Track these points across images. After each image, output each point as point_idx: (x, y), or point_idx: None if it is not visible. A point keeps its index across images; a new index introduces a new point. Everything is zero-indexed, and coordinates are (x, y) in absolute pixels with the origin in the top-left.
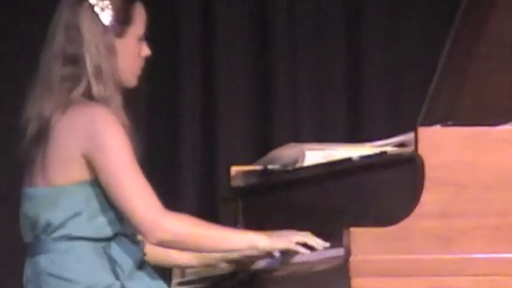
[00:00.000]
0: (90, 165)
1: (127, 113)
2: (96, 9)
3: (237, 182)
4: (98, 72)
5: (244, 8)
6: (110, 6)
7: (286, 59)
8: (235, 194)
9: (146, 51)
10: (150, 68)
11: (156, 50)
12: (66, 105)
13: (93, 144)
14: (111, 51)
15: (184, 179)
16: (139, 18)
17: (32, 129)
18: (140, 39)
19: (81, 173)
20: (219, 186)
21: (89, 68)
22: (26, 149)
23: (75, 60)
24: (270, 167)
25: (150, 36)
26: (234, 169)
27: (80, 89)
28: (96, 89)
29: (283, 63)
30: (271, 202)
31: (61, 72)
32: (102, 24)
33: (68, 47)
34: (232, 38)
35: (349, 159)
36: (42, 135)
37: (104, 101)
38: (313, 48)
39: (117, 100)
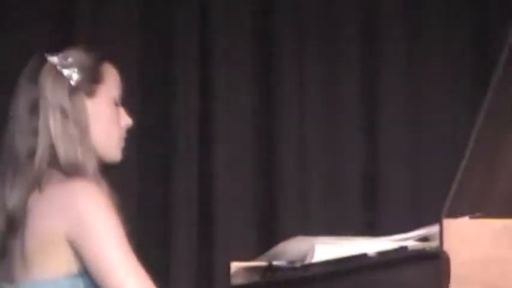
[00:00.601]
0: (76, 250)
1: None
2: (59, 68)
3: (237, 280)
4: (65, 135)
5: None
6: (74, 64)
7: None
8: None
9: (126, 120)
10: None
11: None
12: (39, 181)
13: (77, 227)
14: (82, 112)
15: (177, 276)
16: (111, 78)
17: (1, 221)
18: (116, 104)
19: (67, 262)
20: (217, 284)
21: (54, 131)
22: None
23: (38, 131)
24: (275, 263)
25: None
26: (234, 265)
27: (41, 156)
28: (62, 151)
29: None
30: None
31: (28, 145)
32: (69, 83)
33: (33, 118)
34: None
35: (364, 256)
36: (17, 223)
37: (75, 168)
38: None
39: (92, 167)
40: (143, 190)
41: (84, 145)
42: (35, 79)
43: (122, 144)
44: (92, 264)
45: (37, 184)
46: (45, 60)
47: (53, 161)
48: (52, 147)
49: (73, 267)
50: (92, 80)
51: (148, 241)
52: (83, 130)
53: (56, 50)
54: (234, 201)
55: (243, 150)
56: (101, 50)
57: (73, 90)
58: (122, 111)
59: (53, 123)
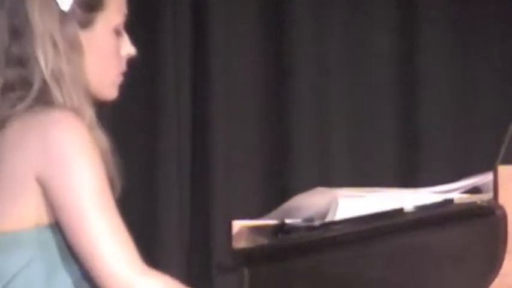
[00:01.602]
0: (47, 193)
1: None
2: None
3: (241, 243)
4: (59, 77)
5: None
6: None
7: (310, 69)
8: (239, 260)
9: (129, 49)
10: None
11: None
12: (9, 116)
13: (50, 162)
14: (75, 47)
15: (166, 239)
16: (113, 2)
17: None
18: (118, 32)
19: (35, 210)
20: (215, 248)
21: (45, 71)
22: None
23: (23, 61)
24: (288, 221)
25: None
26: (237, 224)
27: (31, 96)
28: (58, 94)
29: (306, 80)
30: (290, 273)
31: (4, 76)
32: (60, 10)
33: (13, 45)
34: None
35: (400, 211)
36: None
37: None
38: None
39: (90, 113)
40: (124, 132)
41: (81, 89)
42: (16, 2)
43: (119, 79)
44: (62, 213)
45: (4, 118)
46: None
47: (35, 104)
48: (44, 87)
49: (42, 217)
50: (88, 7)
51: (130, 196)
52: (78, 70)
53: None
54: (235, 145)
55: (246, 81)
56: None
57: (65, 20)
58: (125, 39)
59: (43, 61)
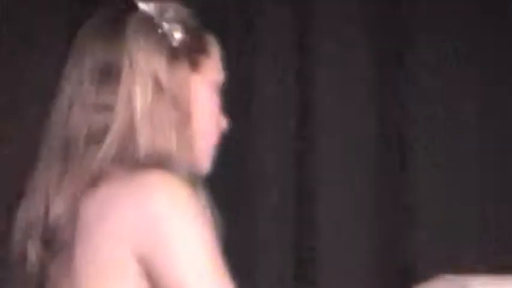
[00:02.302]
0: (151, 274)
1: None
2: (158, 20)
3: None
4: (155, 116)
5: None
6: (175, 20)
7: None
8: None
9: (222, 121)
10: None
11: None
12: (97, 178)
13: (153, 239)
14: (184, 87)
15: None
16: (216, 54)
17: (36, 233)
18: (216, 93)
19: None
20: None
21: (140, 108)
22: (31, 268)
23: (112, 105)
24: None
25: None
26: None
27: (112, 140)
28: (146, 139)
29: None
30: None
31: (89, 124)
32: (169, 44)
33: (104, 90)
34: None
35: None
36: (61, 241)
37: (161, 162)
38: None
39: (187, 166)
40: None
41: (183, 135)
42: (112, 35)
43: (213, 150)
44: None
45: (93, 182)
46: (130, 10)
47: (120, 155)
48: (129, 133)
49: None
50: (196, 47)
51: None
52: (183, 113)
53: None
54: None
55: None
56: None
57: (174, 55)
58: (219, 110)
59: (140, 98)
